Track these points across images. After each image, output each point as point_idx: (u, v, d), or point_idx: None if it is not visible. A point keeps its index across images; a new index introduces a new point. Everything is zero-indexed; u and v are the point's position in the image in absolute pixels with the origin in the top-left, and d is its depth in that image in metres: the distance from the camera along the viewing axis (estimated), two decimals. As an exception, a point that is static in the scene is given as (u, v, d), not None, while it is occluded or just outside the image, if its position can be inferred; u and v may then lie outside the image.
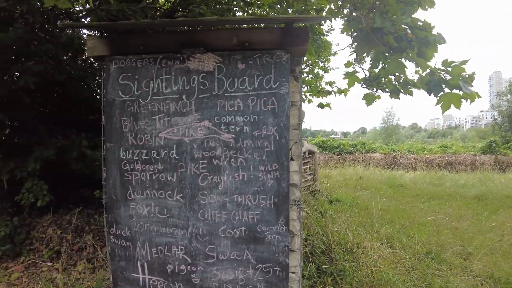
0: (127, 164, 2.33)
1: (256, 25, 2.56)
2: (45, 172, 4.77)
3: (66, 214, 5.05)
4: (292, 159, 2.32)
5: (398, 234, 5.32)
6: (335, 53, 8.55)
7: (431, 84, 2.74)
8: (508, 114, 29.73)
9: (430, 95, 2.85)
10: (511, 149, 21.95)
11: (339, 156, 18.60)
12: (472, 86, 2.83)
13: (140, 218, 2.34)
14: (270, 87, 2.20)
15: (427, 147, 21.21)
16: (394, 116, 48.70)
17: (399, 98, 3.84)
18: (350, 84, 3.97)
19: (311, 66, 9.24)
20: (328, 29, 9.22)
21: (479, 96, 2.91)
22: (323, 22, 6.91)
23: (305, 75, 9.15)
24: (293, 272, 2.36)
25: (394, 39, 2.65)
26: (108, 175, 2.36)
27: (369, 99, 4.08)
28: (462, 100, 2.88)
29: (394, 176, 12.91)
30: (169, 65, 2.28)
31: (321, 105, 7.75)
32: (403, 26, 2.73)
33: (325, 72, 9.03)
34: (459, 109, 2.95)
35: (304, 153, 7.55)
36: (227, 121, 2.23)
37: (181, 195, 2.29)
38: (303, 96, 8.55)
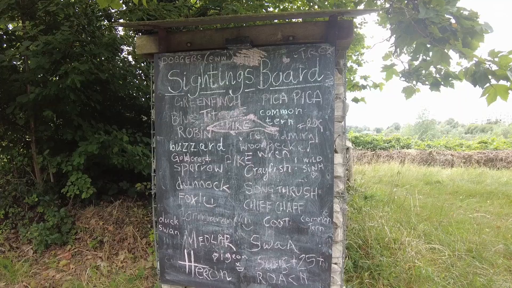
0: (176, 156, 2.44)
1: (298, 19, 2.60)
2: (87, 166, 5.06)
3: (107, 206, 5.33)
4: (336, 152, 2.35)
5: (436, 231, 5.19)
6: (368, 46, 8.41)
7: (477, 75, 2.66)
8: None
9: (475, 86, 2.76)
10: None
11: (373, 152, 18.08)
12: (521, 77, 2.73)
13: (188, 207, 2.45)
14: (315, 80, 2.23)
15: (466, 143, 20.23)
16: (429, 111, 47.16)
17: (439, 91, 3.75)
18: (388, 78, 3.91)
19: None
20: (361, 22, 9.07)
21: (529, 87, 2.80)
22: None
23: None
24: (336, 263, 2.38)
25: (438, 30, 2.60)
26: (158, 167, 2.49)
27: (409, 92, 4.02)
28: (510, 91, 2.80)
29: (431, 172, 12.48)
30: (216, 61, 2.36)
31: (355, 100, 7.61)
32: (447, 16, 2.67)
33: (359, 66, 8.89)
34: (506, 100, 2.84)
35: (335, 148, 7.49)
36: (272, 114, 2.29)
37: (228, 185, 2.38)
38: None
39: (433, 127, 48.21)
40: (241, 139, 2.34)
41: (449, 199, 8.37)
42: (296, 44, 2.26)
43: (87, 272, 3.97)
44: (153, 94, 2.49)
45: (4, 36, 4.57)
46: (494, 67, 2.76)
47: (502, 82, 2.77)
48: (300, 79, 2.25)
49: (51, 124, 5.16)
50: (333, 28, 2.21)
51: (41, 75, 4.63)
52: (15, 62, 4.44)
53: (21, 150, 5.11)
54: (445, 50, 2.69)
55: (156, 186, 2.51)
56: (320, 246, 2.29)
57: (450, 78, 3.53)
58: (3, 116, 4.66)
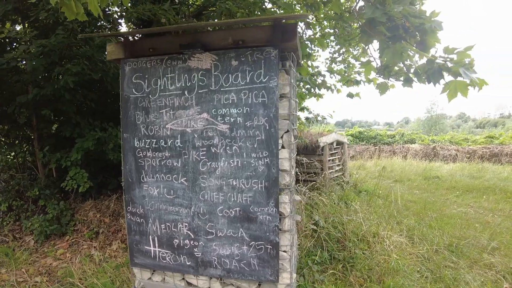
0: (140, 152, 2.69)
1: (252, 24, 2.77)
2: (87, 161, 5.41)
3: (105, 200, 5.69)
4: (283, 147, 2.52)
5: (419, 226, 5.25)
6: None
7: (430, 72, 2.75)
8: None
9: (429, 83, 2.86)
10: None
11: (376, 147, 18.08)
12: (475, 73, 2.79)
13: (151, 198, 2.70)
14: (261, 81, 2.41)
15: (472, 138, 19.95)
16: (438, 106, 45.98)
17: (411, 87, 3.82)
18: (367, 73, 4.02)
19: (344, 55, 9.15)
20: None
21: (486, 83, 2.87)
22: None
23: (338, 64, 9.10)
24: (285, 251, 2.57)
25: (390, 29, 2.71)
26: (125, 161, 2.74)
27: (382, 88, 4.13)
28: (469, 87, 2.86)
29: (431, 167, 12.47)
30: (173, 65, 2.58)
31: (350, 95, 7.64)
32: (399, 14, 2.77)
33: (357, 61, 8.91)
34: (466, 97, 2.91)
35: (332, 143, 7.49)
36: (223, 113, 2.49)
37: (185, 178, 2.60)
38: (332, 86, 8.51)
39: (442, 121, 46.86)
40: (196, 136, 2.55)
41: (445, 194, 8.33)
42: (244, 48, 2.45)
43: (77, 260, 4.32)
44: (121, 96, 2.74)
45: (7, 40, 4.95)
46: (450, 64, 2.84)
47: (461, 78, 2.85)
48: (248, 81, 2.43)
49: (54, 122, 5.55)
50: (277, 32, 2.38)
51: (43, 75, 4.98)
52: (17, 63, 4.79)
53: (25, 146, 5.52)
54: (399, 49, 2.79)
55: (124, 178, 2.77)
56: (268, 234, 2.48)
57: (421, 74, 3.61)
58: (8, 115, 5.07)
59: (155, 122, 2.64)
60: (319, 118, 8.20)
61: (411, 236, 4.97)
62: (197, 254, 2.64)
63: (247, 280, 2.61)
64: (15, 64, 4.38)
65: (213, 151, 2.53)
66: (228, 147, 2.50)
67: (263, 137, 2.43)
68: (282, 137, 2.52)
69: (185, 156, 2.59)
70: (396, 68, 3.99)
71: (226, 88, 2.48)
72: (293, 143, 2.56)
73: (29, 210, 5.11)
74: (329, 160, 7.05)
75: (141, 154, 2.69)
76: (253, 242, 2.52)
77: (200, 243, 2.62)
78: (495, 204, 7.34)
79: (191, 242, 2.64)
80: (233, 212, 2.53)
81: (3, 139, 5.38)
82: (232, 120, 2.48)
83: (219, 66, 2.48)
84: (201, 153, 2.56)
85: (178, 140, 2.60)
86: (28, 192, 5.00)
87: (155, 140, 2.65)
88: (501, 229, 5.47)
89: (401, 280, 3.70)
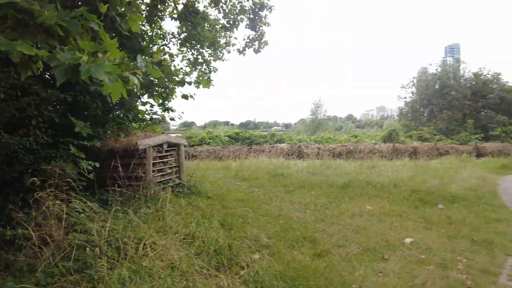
0: None
1: None
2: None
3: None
4: None
5: (200, 227, 4.41)
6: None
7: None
8: (411, 105, 34.04)
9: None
10: (412, 137, 25.02)
11: (249, 148, 18.59)
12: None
13: None
14: None
15: (339, 138, 22.56)
16: (322, 108, 48.79)
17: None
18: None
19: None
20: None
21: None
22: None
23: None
24: None
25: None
26: None
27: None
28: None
29: (285, 165, 12.71)
30: None
31: (185, 97, 7.70)
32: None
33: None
34: (126, 97, 2.13)
35: (160, 145, 6.77)
36: None
37: None
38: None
39: (326, 123, 50.39)
40: None
41: (277, 191, 8.57)
42: None
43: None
44: None
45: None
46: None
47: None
48: None
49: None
50: None
51: None
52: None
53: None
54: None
55: None
56: None
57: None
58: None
59: None
60: (167, 119, 8.23)
61: (192, 238, 4.19)
62: None
63: None
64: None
65: None
66: None
67: None
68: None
69: None
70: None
71: None
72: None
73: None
74: (158, 163, 6.69)
75: None
76: None
77: None
78: (316, 199, 7.56)
79: None
80: None
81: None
82: None
83: None
84: None
85: None
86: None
87: None
88: (298, 225, 5.57)
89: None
